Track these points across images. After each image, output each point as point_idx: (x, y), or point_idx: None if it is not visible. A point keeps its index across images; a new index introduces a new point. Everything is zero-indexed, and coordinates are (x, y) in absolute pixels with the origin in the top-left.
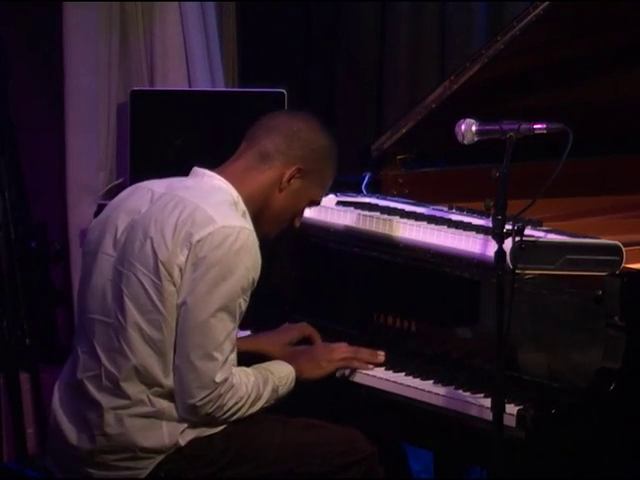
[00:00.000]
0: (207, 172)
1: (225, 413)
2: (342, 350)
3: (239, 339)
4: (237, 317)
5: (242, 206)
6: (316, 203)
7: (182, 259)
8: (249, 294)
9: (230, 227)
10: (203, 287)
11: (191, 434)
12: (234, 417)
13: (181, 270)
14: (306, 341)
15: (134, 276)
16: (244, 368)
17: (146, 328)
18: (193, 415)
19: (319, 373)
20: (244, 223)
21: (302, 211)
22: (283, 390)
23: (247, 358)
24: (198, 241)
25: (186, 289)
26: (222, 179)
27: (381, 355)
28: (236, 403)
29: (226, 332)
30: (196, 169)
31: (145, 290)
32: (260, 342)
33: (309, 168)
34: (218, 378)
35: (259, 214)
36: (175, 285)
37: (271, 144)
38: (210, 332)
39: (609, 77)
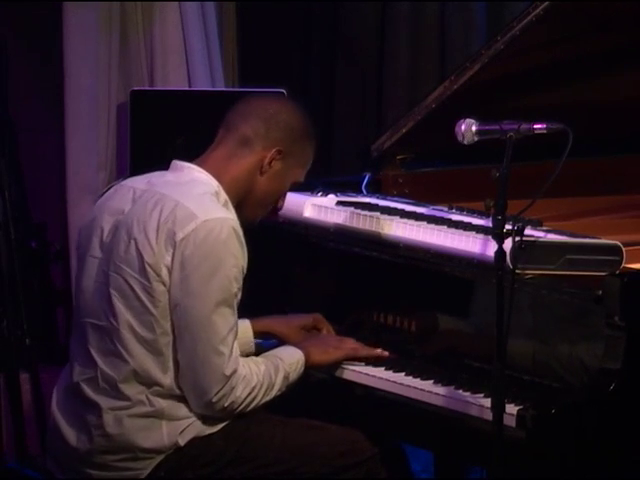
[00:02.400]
0: (186, 164)
1: (240, 405)
2: (351, 341)
3: (253, 321)
4: (235, 307)
5: (224, 195)
6: (298, 183)
7: (168, 259)
8: (241, 282)
9: (212, 220)
10: (196, 284)
11: (190, 434)
12: (249, 407)
13: (169, 270)
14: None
15: (122, 278)
16: (254, 358)
17: (139, 329)
18: (210, 411)
19: (326, 358)
20: (226, 214)
21: (285, 192)
22: (294, 376)
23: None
24: (182, 239)
25: (178, 289)
26: (202, 170)
27: (385, 354)
28: (249, 394)
29: (227, 324)
30: (175, 162)
31: (134, 292)
32: (274, 324)
33: (289, 149)
34: (227, 371)
35: (243, 200)
36: (165, 285)
37: (249, 129)
38: (213, 327)
39: (609, 77)
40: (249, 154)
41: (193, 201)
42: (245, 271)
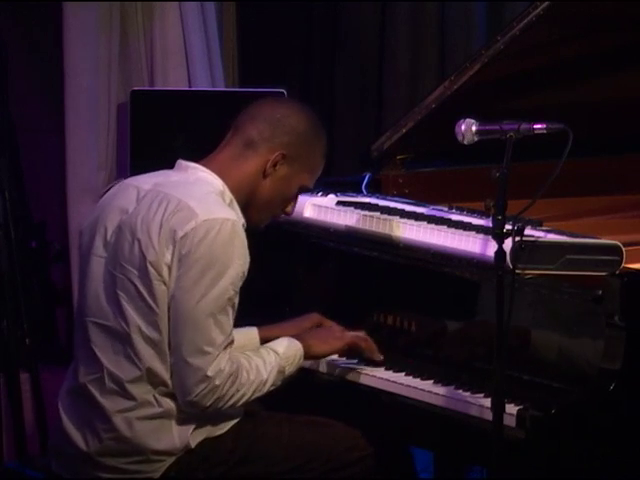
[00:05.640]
0: (191, 164)
1: (227, 401)
2: (354, 333)
3: (262, 329)
4: (227, 308)
5: (229, 194)
6: (306, 189)
7: (169, 257)
8: (239, 285)
9: (212, 220)
10: (188, 282)
11: (201, 435)
12: (239, 403)
13: (169, 268)
14: None
15: (127, 279)
16: (246, 352)
17: (146, 330)
18: (195, 409)
19: (327, 349)
20: (229, 214)
21: (294, 198)
22: (290, 369)
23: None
24: (182, 237)
25: (173, 286)
26: (207, 170)
27: (380, 358)
28: (238, 390)
29: (217, 325)
30: (180, 162)
31: (139, 292)
32: (284, 328)
33: (294, 153)
34: (211, 372)
35: (248, 203)
36: (165, 284)
37: (255, 131)
38: (199, 326)
39: (609, 77)
40: (253, 156)
41: (196, 200)
42: (245, 274)
